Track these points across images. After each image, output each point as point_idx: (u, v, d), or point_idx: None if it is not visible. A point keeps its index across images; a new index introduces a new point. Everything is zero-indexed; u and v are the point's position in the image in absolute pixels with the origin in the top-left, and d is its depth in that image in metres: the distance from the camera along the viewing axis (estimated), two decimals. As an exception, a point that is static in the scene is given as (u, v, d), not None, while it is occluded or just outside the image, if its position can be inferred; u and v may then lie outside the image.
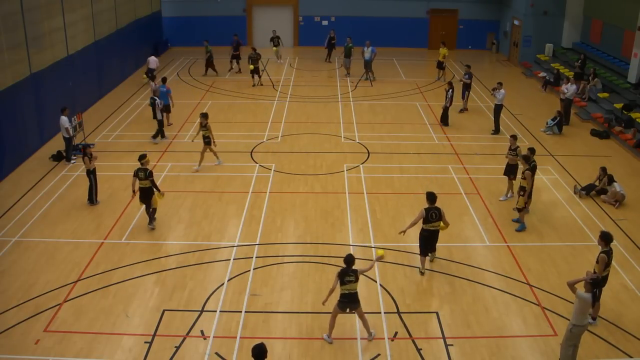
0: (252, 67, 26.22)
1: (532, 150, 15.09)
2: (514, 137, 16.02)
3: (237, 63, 29.39)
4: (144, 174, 13.91)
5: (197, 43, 33.21)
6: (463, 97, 23.65)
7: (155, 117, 19.96)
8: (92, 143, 19.13)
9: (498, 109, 20.89)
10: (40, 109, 19.20)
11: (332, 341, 10.45)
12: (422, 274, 12.53)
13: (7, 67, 17.29)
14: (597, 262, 10.74)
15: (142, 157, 14.10)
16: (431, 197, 12.28)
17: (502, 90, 20.84)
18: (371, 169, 17.92)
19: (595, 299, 10.72)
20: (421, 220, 12.19)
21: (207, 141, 17.49)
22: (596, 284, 10.04)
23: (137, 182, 13.97)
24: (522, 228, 14.41)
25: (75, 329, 10.75)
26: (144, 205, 14.39)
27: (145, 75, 26.47)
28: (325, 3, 35.02)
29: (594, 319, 10.98)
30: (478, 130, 21.26)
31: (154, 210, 14.31)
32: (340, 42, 29.59)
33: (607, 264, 10.72)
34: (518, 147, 15.66)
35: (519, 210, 14.41)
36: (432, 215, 12.12)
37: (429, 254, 12.77)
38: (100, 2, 24.72)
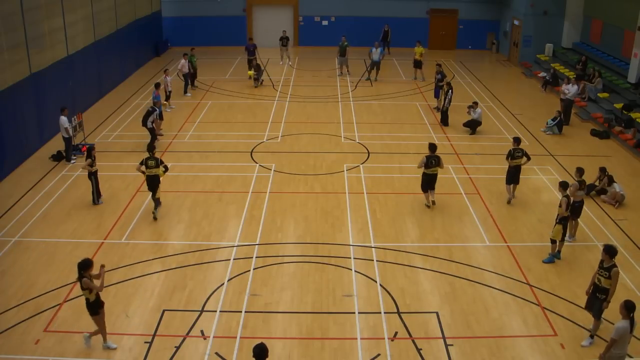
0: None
1: (563, 185, 13.29)
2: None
3: (252, 68, 27.49)
4: (154, 162, 14.54)
5: (197, 43, 33.24)
6: (437, 97, 23.92)
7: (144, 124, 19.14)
8: (92, 143, 19.11)
9: (475, 124, 21.10)
10: (40, 109, 19.19)
11: None
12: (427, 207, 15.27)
13: (7, 67, 17.28)
14: (610, 277, 10.07)
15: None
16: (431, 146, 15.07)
17: (479, 110, 21.09)
18: (371, 169, 17.91)
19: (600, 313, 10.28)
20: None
21: None
22: (630, 307, 8.89)
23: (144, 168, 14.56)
24: (550, 260, 13.06)
25: (75, 329, 10.75)
26: (144, 204, 14.37)
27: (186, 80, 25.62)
28: (325, 3, 35.01)
29: (592, 336, 10.44)
30: (478, 131, 21.23)
31: (158, 200, 14.83)
32: (336, 42, 29.55)
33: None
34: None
35: (554, 241, 13.05)
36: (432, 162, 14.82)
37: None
38: (100, 2, 24.72)
